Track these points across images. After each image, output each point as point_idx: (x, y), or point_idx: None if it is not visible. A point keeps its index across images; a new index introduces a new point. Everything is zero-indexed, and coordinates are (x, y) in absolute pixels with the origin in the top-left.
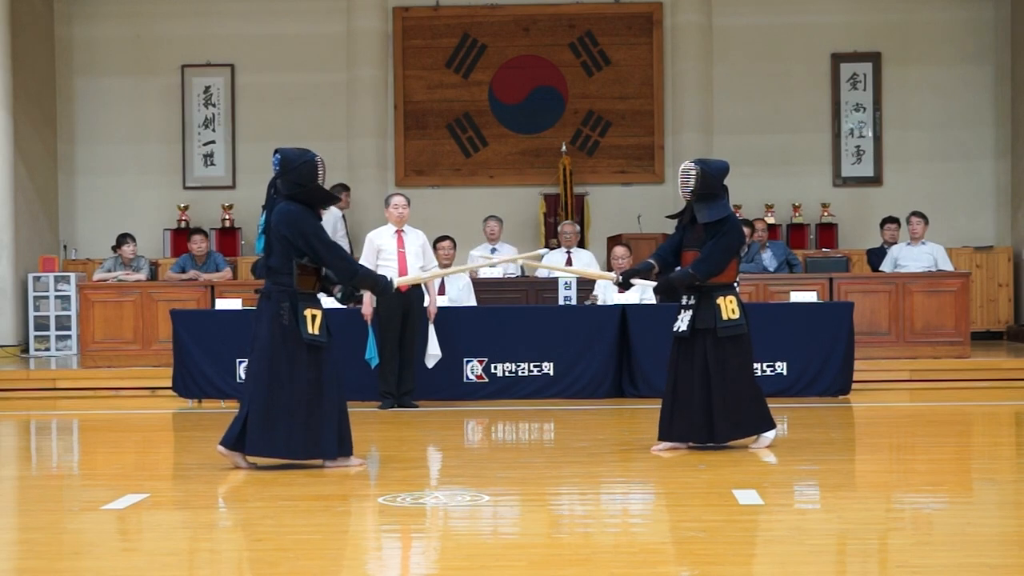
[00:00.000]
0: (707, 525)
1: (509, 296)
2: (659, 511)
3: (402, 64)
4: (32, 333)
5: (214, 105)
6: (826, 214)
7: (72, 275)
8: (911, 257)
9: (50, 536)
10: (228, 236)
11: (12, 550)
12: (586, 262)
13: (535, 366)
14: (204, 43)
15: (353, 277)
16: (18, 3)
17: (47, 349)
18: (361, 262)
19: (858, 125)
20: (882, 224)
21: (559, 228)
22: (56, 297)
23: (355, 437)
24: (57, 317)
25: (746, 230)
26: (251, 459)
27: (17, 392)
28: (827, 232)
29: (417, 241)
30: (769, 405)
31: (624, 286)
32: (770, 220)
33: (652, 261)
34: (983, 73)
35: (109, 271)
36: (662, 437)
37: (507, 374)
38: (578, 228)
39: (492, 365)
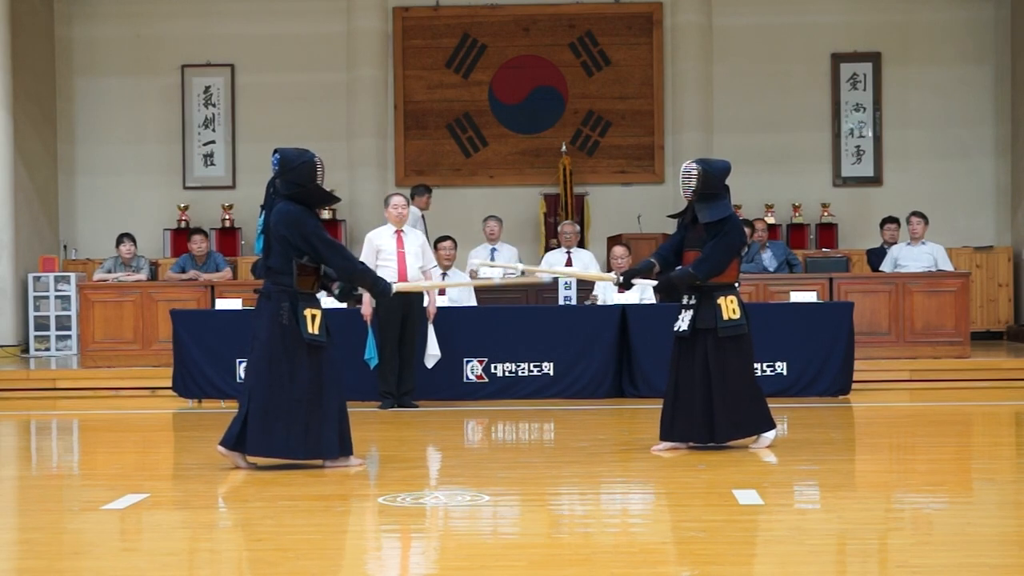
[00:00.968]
0: (707, 525)
1: (509, 296)
2: (659, 511)
3: (402, 64)
4: (32, 333)
5: (214, 105)
6: (826, 214)
7: (72, 275)
8: (911, 257)
9: (50, 536)
10: (228, 236)
11: (12, 550)
12: (586, 262)
13: (535, 366)
14: (204, 43)
15: (353, 274)
16: (18, 3)
17: (47, 349)
18: None
19: (858, 125)
20: (882, 224)
21: (559, 228)
22: (56, 297)
23: (355, 437)
24: (57, 317)
25: (746, 230)
26: (251, 459)
27: (17, 392)
28: (827, 232)
29: (416, 241)
30: (769, 405)
31: (625, 286)
32: (770, 220)
33: (653, 260)
34: (983, 73)
35: (109, 271)
36: (663, 437)
37: (507, 374)
38: (578, 228)
39: (492, 365)
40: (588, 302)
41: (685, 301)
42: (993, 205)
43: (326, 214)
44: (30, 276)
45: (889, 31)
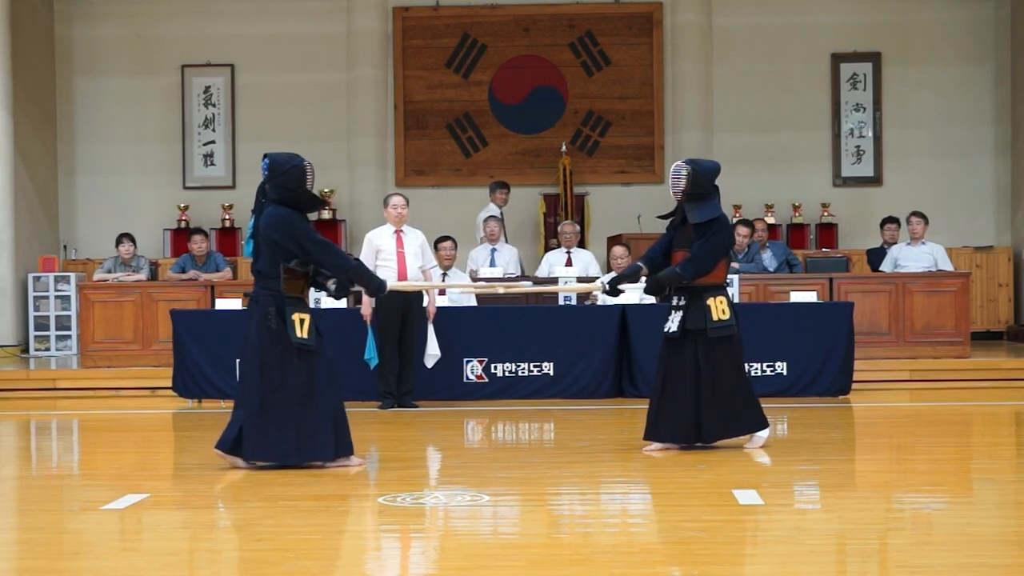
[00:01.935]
0: (707, 525)
1: (509, 296)
2: (659, 511)
3: (402, 64)
4: (32, 333)
5: (214, 105)
6: (826, 214)
7: (72, 275)
8: (911, 257)
9: (50, 536)
10: (228, 236)
11: (12, 550)
12: (586, 262)
13: (535, 366)
14: (204, 43)
15: (348, 273)
16: (18, 3)
17: (47, 349)
18: None
19: (858, 125)
20: (882, 224)
21: (559, 228)
22: (56, 297)
23: (355, 437)
24: (57, 317)
25: (746, 230)
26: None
27: (17, 392)
28: (827, 232)
29: (416, 241)
30: (768, 405)
31: (612, 293)
32: (770, 220)
33: (640, 264)
34: (983, 73)
35: (109, 271)
36: (647, 436)
37: (507, 374)
38: (578, 228)
39: (492, 365)
40: (588, 302)
41: (675, 302)
42: (993, 205)
43: (326, 214)
44: (30, 276)
45: (889, 31)
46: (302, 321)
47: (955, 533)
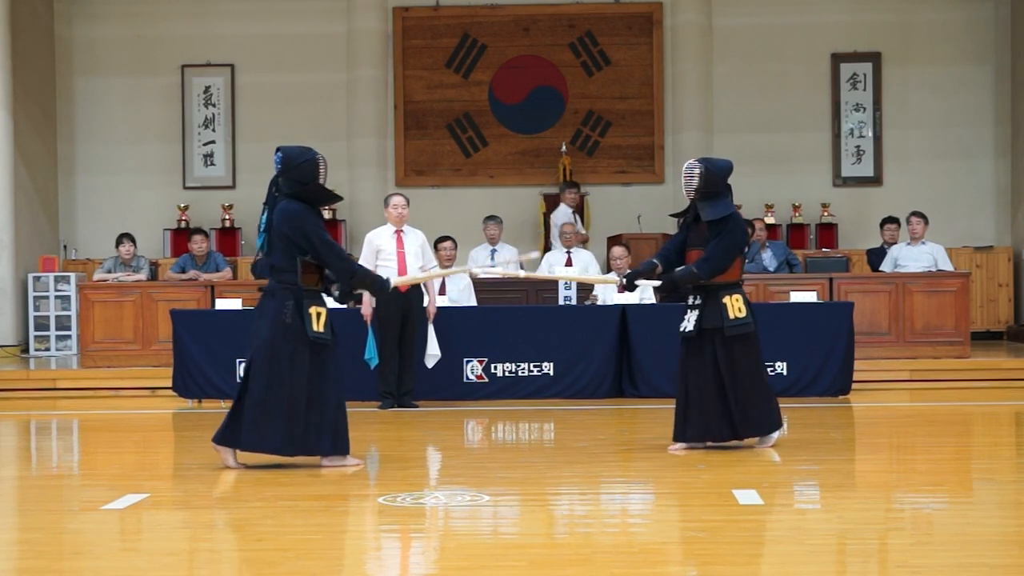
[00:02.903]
0: (707, 525)
1: (509, 296)
2: (659, 511)
3: (402, 64)
4: (32, 333)
5: (214, 105)
6: (826, 214)
7: (72, 275)
8: (911, 257)
9: (50, 536)
10: (228, 236)
11: (12, 550)
12: (586, 262)
13: (535, 366)
14: (204, 43)
15: (351, 277)
16: (18, 3)
17: (47, 349)
18: (360, 262)
19: (858, 125)
20: (882, 224)
21: (559, 228)
22: (56, 297)
23: (355, 437)
24: (57, 317)
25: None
26: (241, 460)
27: (17, 392)
28: (827, 232)
29: (416, 241)
30: None
31: (628, 288)
32: (770, 220)
33: (655, 261)
34: (983, 73)
35: (109, 271)
36: (676, 438)
37: (507, 374)
38: (580, 228)
39: (492, 365)
40: (588, 302)
41: (690, 301)
42: (993, 205)
43: (327, 214)
44: (30, 276)
45: (889, 31)
46: (319, 315)
47: (955, 533)
